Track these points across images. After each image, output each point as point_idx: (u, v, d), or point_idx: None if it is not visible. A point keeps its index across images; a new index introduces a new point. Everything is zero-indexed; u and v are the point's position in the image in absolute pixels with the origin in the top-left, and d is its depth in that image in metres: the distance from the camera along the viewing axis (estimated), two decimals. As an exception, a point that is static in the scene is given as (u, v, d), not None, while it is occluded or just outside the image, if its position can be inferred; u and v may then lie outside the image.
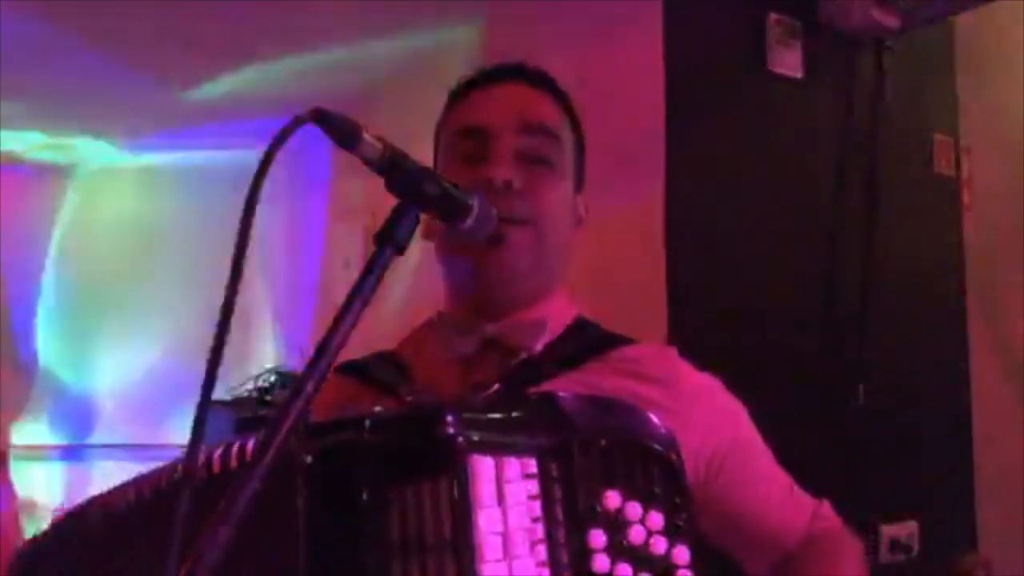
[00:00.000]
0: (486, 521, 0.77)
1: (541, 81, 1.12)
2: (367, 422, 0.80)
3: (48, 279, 5.08)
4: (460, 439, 0.78)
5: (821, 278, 2.36)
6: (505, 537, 0.77)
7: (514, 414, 0.83)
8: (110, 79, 3.76)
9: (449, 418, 0.78)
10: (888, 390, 2.42)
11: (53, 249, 5.09)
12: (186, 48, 3.42)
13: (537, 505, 0.79)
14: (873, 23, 2.38)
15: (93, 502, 0.97)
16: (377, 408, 0.87)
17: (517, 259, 1.02)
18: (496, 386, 0.98)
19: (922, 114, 2.65)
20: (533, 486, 0.80)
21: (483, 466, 0.78)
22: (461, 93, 1.13)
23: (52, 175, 5.02)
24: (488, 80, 1.12)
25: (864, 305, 2.40)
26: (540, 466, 0.80)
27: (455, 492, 0.76)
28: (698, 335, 2.08)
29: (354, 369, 1.08)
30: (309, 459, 0.80)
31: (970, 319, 2.69)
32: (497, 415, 0.83)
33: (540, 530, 0.79)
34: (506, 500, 0.78)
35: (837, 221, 2.40)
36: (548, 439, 0.82)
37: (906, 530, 2.40)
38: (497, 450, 0.79)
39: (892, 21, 2.41)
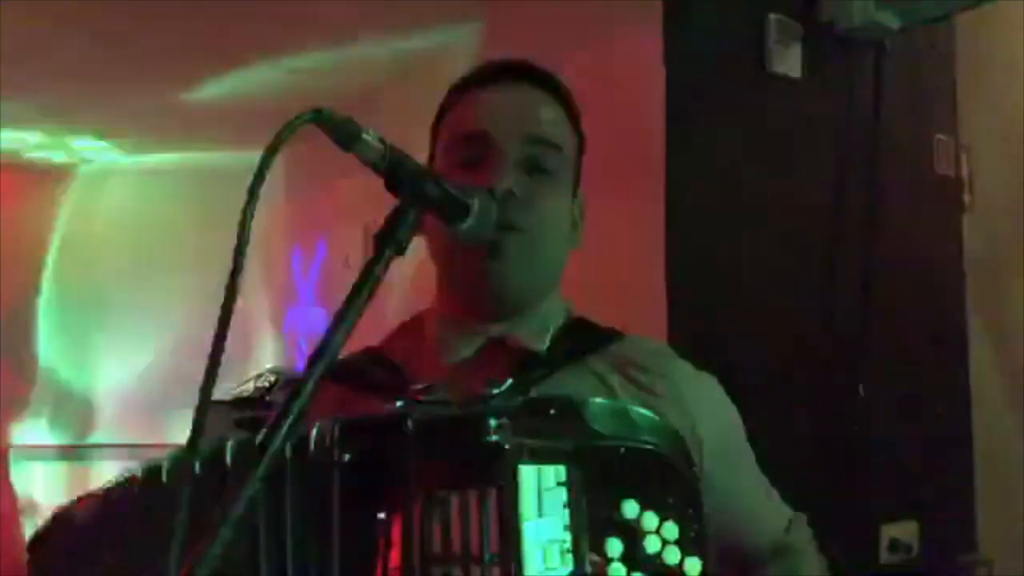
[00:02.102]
0: (532, 532, 0.76)
1: (545, 83, 1.10)
2: (409, 423, 0.79)
3: (48, 279, 5.08)
4: (508, 447, 0.77)
5: (821, 278, 2.36)
6: (545, 548, 0.77)
7: (542, 419, 0.82)
8: (111, 79, 3.76)
9: (494, 423, 0.77)
10: (888, 390, 2.42)
11: (53, 249, 5.09)
12: (186, 48, 3.42)
13: (568, 514, 0.79)
14: (873, 23, 2.37)
15: (88, 498, 0.95)
16: (399, 403, 0.85)
17: (512, 271, 1.01)
18: (509, 382, 0.96)
19: (922, 114, 2.64)
20: (564, 494, 0.79)
21: (528, 475, 0.77)
22: (463, 90, 1.11)
23: (52, 175, 5.02)
24: (491, 79, 1.10)
25: (864, 304, 2.39)
26: (568, 473, 0.79)
27: (504, 502, 0.75)
28: (698, 335, 2.08)
29: (345, 371, 1.03)
30: (347, 457, 0.79)
31: (970, 319, 2.69)
32: (530, 420, 0.82)
33: (569, 539, 0.78)
34: (545, 509, 0.77)
35: (837, 221, 2.40)
36: (573, 445, 0.81)
37: (906, 530, 2.40)
38: (537, 457, 0.78)
39: (892, 21, 2.41)
